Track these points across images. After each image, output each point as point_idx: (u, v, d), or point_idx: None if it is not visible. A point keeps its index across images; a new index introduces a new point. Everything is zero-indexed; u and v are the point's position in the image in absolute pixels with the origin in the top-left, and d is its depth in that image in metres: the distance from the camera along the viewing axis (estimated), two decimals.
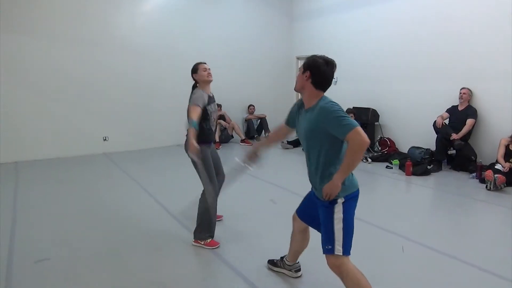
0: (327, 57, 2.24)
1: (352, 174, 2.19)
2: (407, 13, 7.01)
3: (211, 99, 3.40)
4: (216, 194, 3.44)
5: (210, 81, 3.42)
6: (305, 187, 4.98)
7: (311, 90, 2.20)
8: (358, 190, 2.23)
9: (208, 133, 3.41)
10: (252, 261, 3.09)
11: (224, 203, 3.83)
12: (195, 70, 3.41)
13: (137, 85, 7.87)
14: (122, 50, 7.67)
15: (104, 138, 7.72)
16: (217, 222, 3.59)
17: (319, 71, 2.18)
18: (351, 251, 2.17)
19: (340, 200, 2.15)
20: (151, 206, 4.48)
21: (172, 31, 8.17)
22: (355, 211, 2.26)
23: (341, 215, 2.14)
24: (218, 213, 3.69)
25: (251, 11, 9.33)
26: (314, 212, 2.34)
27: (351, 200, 2.18)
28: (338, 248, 2.12)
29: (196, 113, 3.16)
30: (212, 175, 3.33)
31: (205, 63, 3.46)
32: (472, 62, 6.06)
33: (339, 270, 2.14)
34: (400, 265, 2.99)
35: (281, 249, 3.00)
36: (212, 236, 3.40)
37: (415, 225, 3.85)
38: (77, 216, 4.19)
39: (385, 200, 4.94)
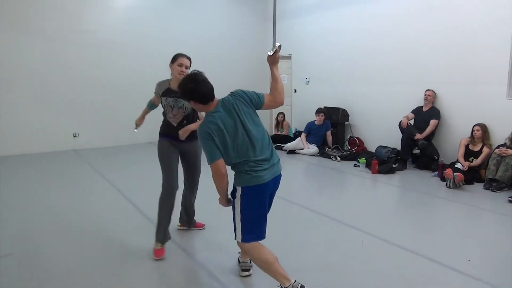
0: (193, 74, 2.52)
1: (255, 171, 2.35)
2: (376, 16, 7.22)
3: (170, 92, 3.20)
4: (169, 193, 3.23)
5: (180, 76, 3.16)
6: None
7: (203, 107, 2.46)
8: (259, 185, 2.36)
9: (164, 126, 3.31)
10: (223, 260, 3.16)
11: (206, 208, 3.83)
12: (173, 60, 3.20)
13: (108, 82, 7.78)
14: (93, 46, 7.57)
15: (74, 135, 7.62)
16: (195, 231, 3.65)
17: (193, 94, 2.41)
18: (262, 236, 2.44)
19: (238, 193, 2.37)
20: (118, 201, 4.48)
21: (144, 28, 8.11)
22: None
23: (239, 207, 2.37)
24: (200, 222, 3.71)
25: (224, 10, 9.36)
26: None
27: (249, 194, 2.35)
28: (239, 236, 2.41)
29: (152, 98, 3.47)
30: (166, 169, 3.20)
31: (185, 57, 3.21)
32: (437, 65, 6.30)
33: (248, 253, 2.46)
34: (361, 259, 3.11)
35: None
36: (160, 242, 3.13)
37: (378, 221, 4.00)
38: (43, 212, 4.14)
39: (350, 197, 5.10)
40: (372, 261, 3.08)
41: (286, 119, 8.96)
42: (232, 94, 2.56)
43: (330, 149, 7.35)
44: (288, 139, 8.19)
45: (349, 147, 7.49)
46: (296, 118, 9.24)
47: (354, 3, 7.66)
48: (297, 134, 8.40)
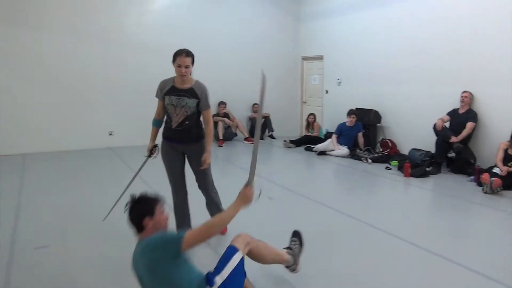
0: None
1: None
2: (411, 16, 7.06)
3: (174, 91, 3.09)
4: (178, 193, 3.32)
5: (181, 77, 3.07)
6: (304, 186, 5.11)
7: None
8: None
9: (165, 127, 3.22)
10: None
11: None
12: (173, 58, 3.06)
13: (142, 81, 7.98)
14: (129, 46, 7.80)
15: (110, 133, 7.87)
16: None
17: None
18: None
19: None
20: None
21: (178, 28, 8.26)
22: None
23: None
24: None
25: (259, 10, 9.40)
26: None
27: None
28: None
29: (157, 108, 3.27)
30: (169, 176, 3.26)
31: (184, 55, 3.01)
32: (475, 66, 6.09)
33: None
34: (393, 265, 3.06)
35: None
36: None
37: (410, 226, 3.91)
38: (79, 206, 4.32)
39: (381, 200, 5.01)
40: (401, 266, 3.02)
41: (316, 120, 8.91)
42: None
43: (361, 151, 7.24)
44: (319, 140, 8.14)
45: (381, 149, 7.36)
46: (327, 119, 9.16)
47: (386, 4, 7.52)
48: (328, 135, 8.33)
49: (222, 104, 8.74)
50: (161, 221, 2.10)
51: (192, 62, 3.06)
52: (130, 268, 2.12)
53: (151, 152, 3.36)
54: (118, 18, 7.72)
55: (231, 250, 2.20)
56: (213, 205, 3.44)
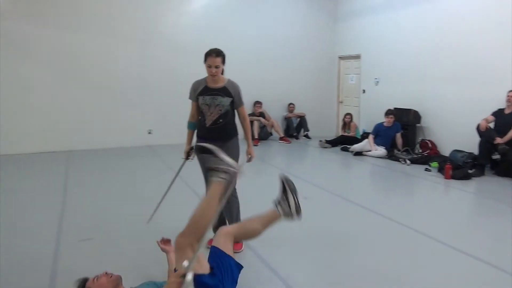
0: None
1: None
2: (453, 13, 6.82)
3: (207, 91, 3.14)
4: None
5: (212, 77, 3.12)
6: (340, 186, 5.08)
7: None
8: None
9: (199, 127, 3.26)
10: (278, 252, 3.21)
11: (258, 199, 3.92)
12: (204, 59, 3.08)
13: (180, 81, 8.12)
14: (167, 46, 8.00)
15: (149, 131, 8.11)
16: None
17: None
18: None
19: None
20: (189, 196, 4.70)
21: (214, 29, 8.36)
22: None
23: None
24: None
25: (295, 10, 9.37)
26: None
27: None
28: None
29: (191, 111, 3.32)
30: (203, 172, 3.26)
31: (214, 56, 3.03)
32: None
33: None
34: (431, 268, 2.98)
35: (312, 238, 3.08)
36: None
37: (450, 229, 3.79)
38: (120, 203, 4.48)
39: (420, 202, 4.88)
40: (440, 269, 2.94)
41: (353, 120, 8.78)
42: None
43: (399, 152, 7.07)
44: (355, 140, 8.02)
45: (420, 150, 7.15)
46: (364, 119, 9.00)
47: (424, 1, 7.31)
48: (365, 135, 8.19)
49: (257, 103, 8.79)
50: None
51: (223, 62, 3.09)
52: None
53: (188, 155, 3.40)
54: (156, 19, 7.93)
55: (224, 259, 2.21)
56: (234, 207, 3.33)
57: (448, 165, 5.70)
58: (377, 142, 7.36)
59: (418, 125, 7.50)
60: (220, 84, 3.16)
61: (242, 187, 4.43)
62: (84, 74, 7.43)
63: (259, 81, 8.91)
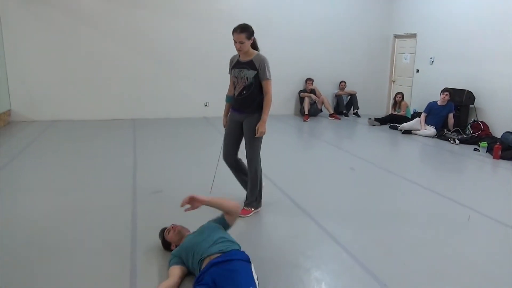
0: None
1: None
2: None
3: (238, 64, 3.35)
4: (225, 161, 3.57)
5: (239, 51, 3.30)
6: (386, 161, 5.34)
7: None
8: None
9: (232, 99, 3.48)
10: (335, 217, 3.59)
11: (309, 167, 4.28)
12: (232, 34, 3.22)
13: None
14: (225, 23, 8.32)
15: (205, 104, 8.65)
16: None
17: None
18: None
19: None
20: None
21: (270, 6, 8.64)
22: None
23: None
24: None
25: None
26: None
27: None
28: None
29: (229, 85, 3.54)
30: (224, 138, 3.55)
31: (238, 32, 3.17)
32: None
33: None
34: (479, 242, 3.13)
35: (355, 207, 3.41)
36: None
37: (497, 204, 3.94)
38: (182, 163, 5.03)
39: (467, 179, 5.02)
40: (488, 243, 3.10)
41: (404, 99, 8.80)
42: None
43: (449, 132, 7.10)
44: (405, 119, 8.09)
45: (471, 131, 7.13)
46: (416, 99, 8.99)
47: None
48: (415, 115, 8.22)
49: (309, 80, 9.03)
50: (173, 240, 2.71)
51: (248, 37, 3.20)
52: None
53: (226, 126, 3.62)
54: None
55: None
56: (252, 178, 3.49)
57: (497, 145, 5.73)
58: (428, 121, 7.41)
59: (471, 106, 7.45)
60: (248, 58, 3.31)
61: (295, 160, 4.88)
62: (149, 49, 8.06)
63: (311, 58, 9.13)
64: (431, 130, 7.24)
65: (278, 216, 3.51)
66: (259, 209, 3.57)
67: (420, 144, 6.77)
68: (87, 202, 3.68)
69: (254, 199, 3.51)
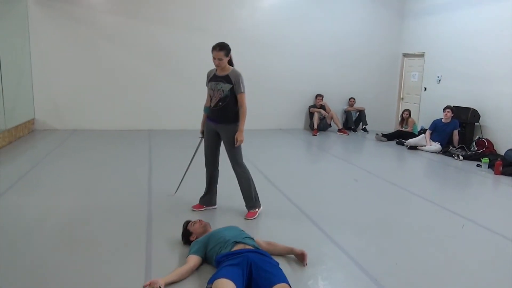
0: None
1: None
2: None
3: (215, 78, 3.63)
4: (205, 163, 3.87)
5: (217, 67, 3.61)
6: (389, 173, 5.59)
7: None
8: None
9: (209, 109, 3.72)
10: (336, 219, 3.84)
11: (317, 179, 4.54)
12: (211, 51, 3.53)
13: (248, 71, 8.79)
14: (242, 41, 8.76)
15: None
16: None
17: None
18: None
19: None
20: (252, 173, 5.43)
21: (283, 26, 9.02)
22: None
23: None
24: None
25: (360, 6, 9.63)
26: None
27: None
28: None
29: (207, 96, 3.74)
30: (204, 148, 3.85)
31: (217, 50, 3.50)
32: None
33: None
34: (481, 255, 3.25)
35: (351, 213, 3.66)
36: (200, 199, 3.93)
37: (496, 217, 4.12)
38: (195, 173, 5.33)
39: (468, 193, 5.23)
40: (489, 256, 3.22)
41: (412, 116, 9.02)
42: None
43: (454, 148, 7.30)
44: (411, 135, 8.30)
45: (475, 148, 7.31)
46: (424, 117, 9.20)
47: (488, 2, 7.39)
48: (422, 131, 8.43)
49: (319, 96, 9.33)
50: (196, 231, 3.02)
51: (226, 55, 3.54)
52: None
53: (203, 134, 3.93)
54: (232, 15, 8.76)
55: None
56: (243, 179, 3.79)
57: (498, 162, 5.92)
58: (434, 138, 7.61)
59: (476, 123, 7.64)
60: (225, 73, 3.61)
61: (303, 171, 5.16)
62: (167, 64, 8.49)
63: (321, 74, 9.44)
64: (436, 146, 7.44)
65: (283, 221, 3.77)
66: (262, 207, 3.84)
67: (424, 159, 6.97)
68: (106, 202, 4.00)
69: (253, 199, 3.78)
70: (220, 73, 3.62)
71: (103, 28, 8.10)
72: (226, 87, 3.57)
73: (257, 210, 3.79)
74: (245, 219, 3.70)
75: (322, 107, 9.35)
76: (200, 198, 3.95)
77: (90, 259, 2.81)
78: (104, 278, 2.58)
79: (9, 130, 6.59)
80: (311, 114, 9.35)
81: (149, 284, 2.38)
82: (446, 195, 4.93)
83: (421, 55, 9.37)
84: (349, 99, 9.82)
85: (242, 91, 3.61)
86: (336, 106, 9.71)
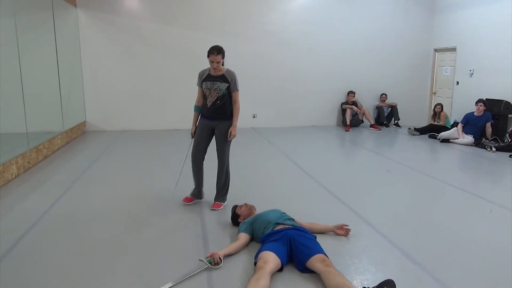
0: None
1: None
2: None
3: (209, 78, 3.80)
4: (193, 161, 3.98)
5: (214, 69, 3.78)
6: (422, 165, 5.86)
7: None
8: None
9: (203, 107, 3.92)
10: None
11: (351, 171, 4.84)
12: (207, 54, 3.68)
13: (282, 72, 9.31)
14: (274, 43, 9.17)
15: (253, 116, 9.42)
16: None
17: None
18: None
19: None
20: (289, 166, 5.81)
21: (314, 26, 9.35)
22: None
23: None
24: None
25: (391, 4, 9.83)
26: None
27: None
28: None
29: (197, 96, 3.97)
30: (195, 141, 3.98)
31: (215, 53, 3.65)
32: None
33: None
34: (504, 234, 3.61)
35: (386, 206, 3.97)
36: (191, 193, 4.11)
37: None
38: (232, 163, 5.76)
39: (501, 182, 5.38)
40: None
41: (444, 110, 9.12)
42: None
43: (487, 141, 7.39)
44: (444, 129, 8.42)
45: (509, 140, 7.38)
46: (457, 110, 9.27)
47: None
48: (454, 125, 8.52)
49: (351, 93, 9.57)
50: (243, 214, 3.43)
51: (223, 57, 3.73)
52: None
53: (194, 134, 4.05)
54: (262, 19, 9.14)
55: None
56: (224, 173, 4.04)
57: None
58: (466, 131, 7.72)
59: (509, 115, 7.69)
60: (220, 73, 3.82)
61: (337, 163, 5.44)
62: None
63: (353, 71, 9.69)
64: (469, 138, 7.55)
65: (323, 206, 4.13)
66: (226, 202, 4.07)
67: (457, 151, 7.12)
68: (159, 192, 4.48)
69: (224, 192, 4.06)
70: (215, 73, 3.81)
71: (145, 36, 8.67)
72: (223, 86, 3.80)
73: (223, 203, 4.02)
74: (212, 209, 3.93)
75: (354, 103, 9.59)
76: (191, 192, 4.13)
77: (156, 237, 3.28)
78: (171, 251, 3.04)
79: (66, 132, 7.26)
80: (343, 111, 9.62)
81: (210, 255, 2.80)
82: (479, 184, 5.12)
83: (453, 49, 9.44)
84: (381, 95, 10.01)
85: (237, 89, 3.92)
86: (368, 102, 9.93)
